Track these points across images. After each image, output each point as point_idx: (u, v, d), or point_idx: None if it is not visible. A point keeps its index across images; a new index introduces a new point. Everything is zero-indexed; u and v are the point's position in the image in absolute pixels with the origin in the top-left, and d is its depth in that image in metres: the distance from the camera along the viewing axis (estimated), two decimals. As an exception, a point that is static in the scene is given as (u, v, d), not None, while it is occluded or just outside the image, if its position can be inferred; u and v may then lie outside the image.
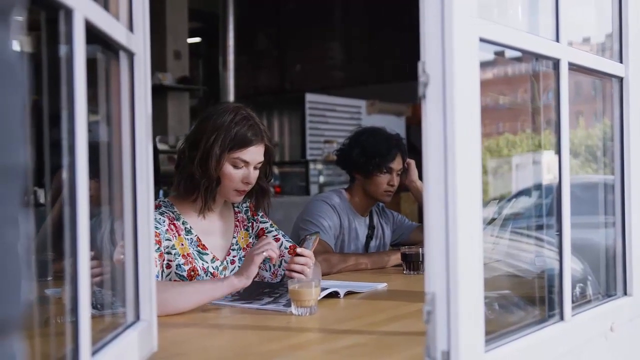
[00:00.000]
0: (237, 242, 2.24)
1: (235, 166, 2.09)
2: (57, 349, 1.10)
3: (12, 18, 0.54)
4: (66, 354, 0.97)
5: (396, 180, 2.91)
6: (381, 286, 2.26)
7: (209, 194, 2.10)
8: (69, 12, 0.96)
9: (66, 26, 0.97)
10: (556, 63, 1.47)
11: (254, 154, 2.10)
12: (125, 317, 1.30)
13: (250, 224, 2.30)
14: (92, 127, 1.04)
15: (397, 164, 2.91)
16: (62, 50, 0.98)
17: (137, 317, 1.32)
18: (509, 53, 1.48)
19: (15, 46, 0.55)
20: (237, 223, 2.27)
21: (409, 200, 5.93)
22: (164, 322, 1.59)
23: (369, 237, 3.03)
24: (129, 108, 1.31)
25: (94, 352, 1.05)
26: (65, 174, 0.97)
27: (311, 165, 7.32)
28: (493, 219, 1.89)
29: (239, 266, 2.18)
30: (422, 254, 2.57)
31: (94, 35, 1.06)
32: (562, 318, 1.46)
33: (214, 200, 2.14)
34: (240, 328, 1.73)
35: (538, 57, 1.51)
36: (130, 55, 1.30)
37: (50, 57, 1.02)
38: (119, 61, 1.29)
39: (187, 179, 2.10)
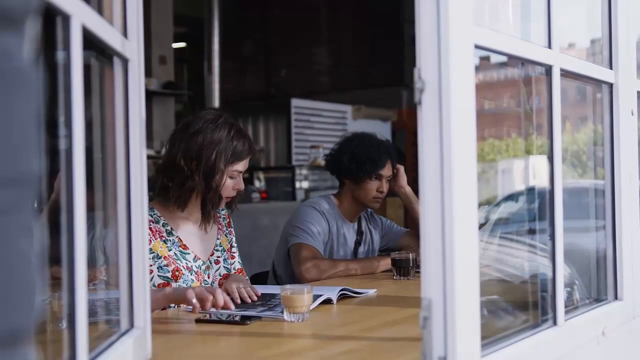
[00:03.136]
0: (220, 243, 2.32)
1: (232, 177, 2.20)
2: (53, 357, 1.09)
3: (25, 26, 0.54)
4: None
5: (385, 187, 2.92)
6: (371, 292, 2.27)
7: (214, 206, 2.20)
8: (66, 18, 0.95)
9: (63, 32, 0.96)
10: (548, 69, 1.48)
11: (247, 163, 2.24)
12: (120, 325, 1.30)
13: (228, 231, 2.40)
14: (85, 133, 1.03)
15: (387, 171, 2.91)
16: (59, 55, 0.97)
17: (132, 325, 1.31)
18: (495, 58, 1.48)
19: (29, 54, 0.54)
20: (220, 226, 2.36)
21: (394, 205, 5.93)
22: (158, 330, 1.58)
23: (358, 243, 3.02)
24: (123, 114, 1.30)
25: (90, 361, 1.04)
26: (62, 181, 0.96)
27: (297, 171, 7.30)
28: (482, 224, 1.89)
29: (224, 266, 2.30)
30: (412, 260, 2.57)
31: (89, 40, 1.06)
32: (555, 323, 1.47)
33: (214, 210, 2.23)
34: (234, 335, 1.72)
35: (531, 63, 1.51)
36: (125, 61, 1.30)
37: (45, 63, 1.01)
38: (112, 67, 1.28)
39: (187, 192, 2.15)
